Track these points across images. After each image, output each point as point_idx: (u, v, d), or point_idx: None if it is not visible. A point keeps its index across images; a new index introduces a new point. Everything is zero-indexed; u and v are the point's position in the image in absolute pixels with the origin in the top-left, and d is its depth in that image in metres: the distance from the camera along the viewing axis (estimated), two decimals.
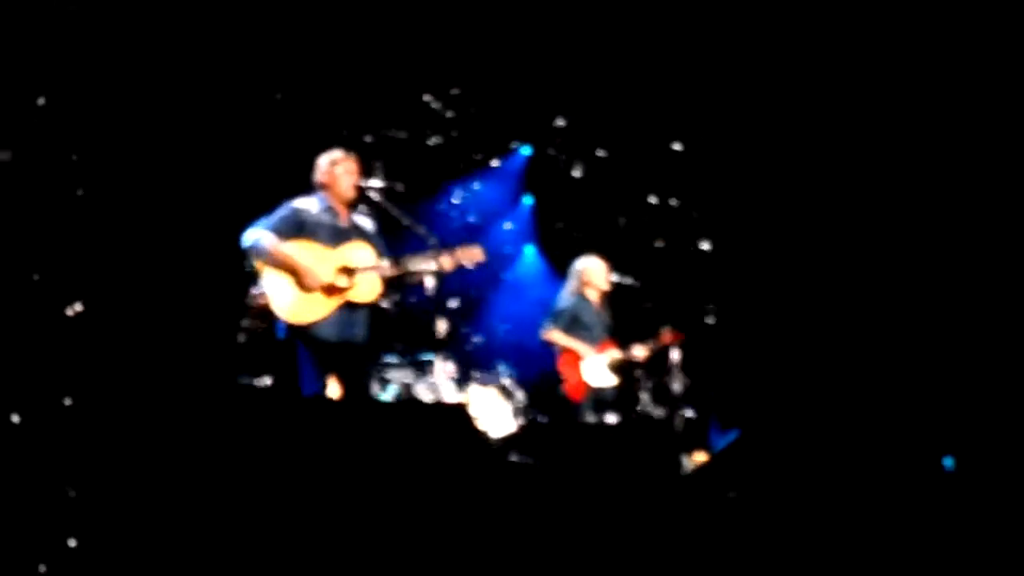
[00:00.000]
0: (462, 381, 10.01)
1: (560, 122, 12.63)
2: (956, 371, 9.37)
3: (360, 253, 6.90)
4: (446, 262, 6.92)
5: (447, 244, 7.08)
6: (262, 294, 7.07)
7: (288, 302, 6.70)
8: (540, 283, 12.95)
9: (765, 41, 10.67)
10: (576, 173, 12.85)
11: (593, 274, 9.54)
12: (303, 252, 6.76)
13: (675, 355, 9.46)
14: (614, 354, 9.37)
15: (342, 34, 10.59)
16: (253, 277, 7.52)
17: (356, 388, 6.95)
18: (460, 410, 5.44)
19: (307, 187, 7.13)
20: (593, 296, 9.55)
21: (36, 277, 8.70)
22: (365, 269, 6.85)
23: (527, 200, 13.63)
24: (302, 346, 6.74)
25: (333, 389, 6.97)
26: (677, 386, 9.52)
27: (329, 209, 6.99)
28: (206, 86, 9.93)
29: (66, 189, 9.05)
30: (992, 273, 9.55)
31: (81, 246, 9.02)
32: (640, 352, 9.40)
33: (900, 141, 10.13)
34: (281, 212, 6.90)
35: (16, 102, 8.76)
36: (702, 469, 6.41)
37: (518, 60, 11.57)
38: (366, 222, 7.18)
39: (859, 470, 5.35)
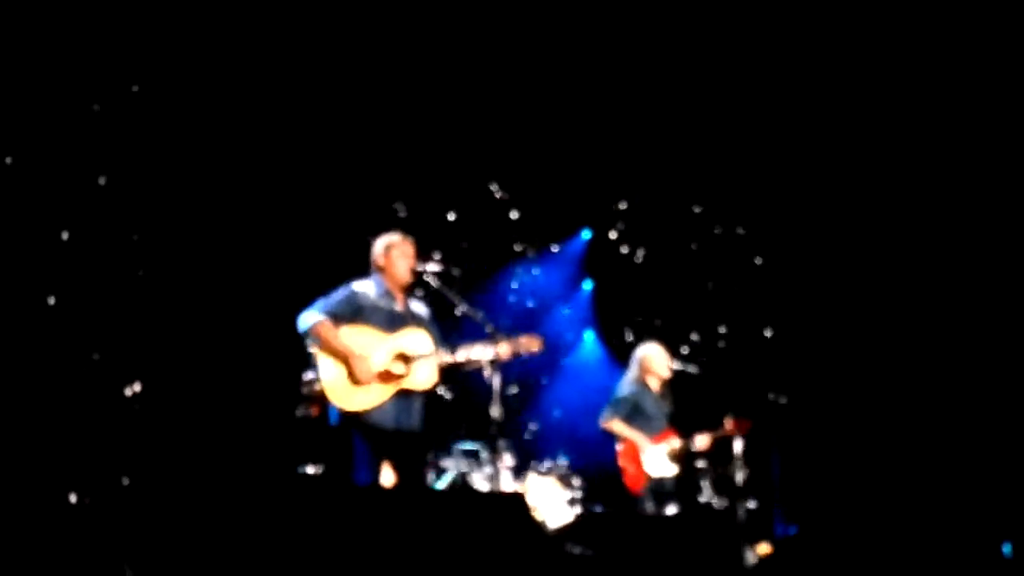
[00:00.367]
0: (520, 470, 9.96)
1: (622, 205, 12.68)
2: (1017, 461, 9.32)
3: (417, 340, 6.94)
4: (503, 351, 6.91)
5: (505, 331, 7.10)
6: (316, 380, 7.11)
7: (342, 388, 6.73)
8: (599, 370, 12.92)
9: (829, 133, 10.75)
10: (637, 258, 12.87)
11: (654, 361, 9.52)
12: (359, 337, 6.81)
13: (738, 445, 9.38)
14: (674, 443, 9.31)
15: (404, 115, 10.75)
16: (308, 362, 7.58)
17: (411, 476, 6.95)
18: (517, 499, 5.43)
19: (365, 269, 7.21)
20: (654, 384, 9.52)
21: (96, 356, 8.85)
22: (422, 356, 6.88)
23: (587, 285, 13.65)
24: (356, 433, 6.76)
25: (387, 477, 6.99)
26: (740, 476, 9.43)
27: (386, 293, 7.05)
28: (266, 167, 10.09)
29: (127, 269, 9.21)
30: None
31: (141, 327, 9.17)
32: (702, 441, 9.33)
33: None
34: (339, 295, 6.96)
35: (78, 182, 8.97)
36: (765, 562, 6.34)
37: (579, 143, 11.68)
38: (422, 308, 7.24)
39: (921, 562, 5.29)
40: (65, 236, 8.88)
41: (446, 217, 11.75)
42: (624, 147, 11.82)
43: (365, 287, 7.02)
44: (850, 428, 10.74)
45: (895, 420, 10.53)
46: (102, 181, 9.15)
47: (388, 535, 4.76)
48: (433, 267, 7.28)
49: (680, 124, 11.42)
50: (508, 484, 9.39)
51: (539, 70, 10.87)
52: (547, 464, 10.15)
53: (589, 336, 13.68)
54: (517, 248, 12.76)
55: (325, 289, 7.07)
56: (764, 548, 8.91)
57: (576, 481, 10.08)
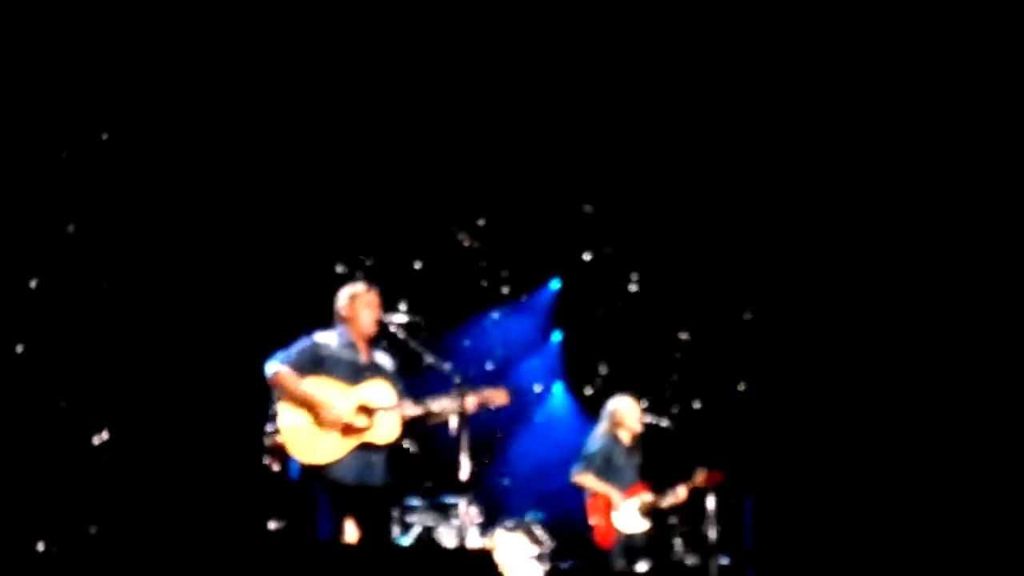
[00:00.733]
0: (487, 525, 9.90)
1: (588, 256, 12.70)
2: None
3: (380, 392, 6.91)
4: (469, 403, 6.87)
5: (471, 382, 7.07)
6: (276, 431, 7.07)
7: (302, 440, 6.69)
8: (569, 423, 12.88)
9: (806, 184, 10.83)
10: (606, 308, 12.88)
11: (626, 415, 9.52)
12: (320, 389, 6.77)
13: (710, 500, 9.36)
14: (646, 498, 9.29)
15: (366, 162, 10.77)
16: (270, 414, 7.54)
17: (375, 532, 6.89)
18: (485, 556, 5.40)
19: (328, 319, 7.18)
20: (625, 437, 9.51)
21: (63, 405, 8.85)
22: (385, 409, 6.84)
23: (556, 336, 13.63)
24: (317, 488, 6.70)
25: (351, 533, 6.93)
26: (712, 532, 9.40)
27: (349, 344, 7.02)
28: (233, 216, 10.11)
29: (96, 318, 9.22)
30: None
31: (109, 375, 9.17)
32: (676, 494, 9.30)
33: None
34: (299, 345, 6.93)
35: (47, 229, 8.98)
36: None
37: (546, 189, 11.71)
38: (386, 360, 7.21)
39: None
40: (33, 284, 8.89)
41: (412, 266, 11.73)
42: (594, 195, 11.85)
43: (327, 338, 7.00)
44: (827, 483, 10.73)
45: (874, 475, 10.53)
46: (71, 229, 9.16)
47: None
48: (399, 317, 7.27)
49: (653, 172, 11.46)
50: (475, 540, 9.34)
51: (507, 119, 10.91)
52: (515, 519, 10.09)
53: (558, 388, 13.65)
54: (484, 298, 12.74)
55: (293, 340, 7.04)
56: None
57: (545, 536, 10.02)
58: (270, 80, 9.95)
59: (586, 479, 9.31)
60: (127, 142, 9.50)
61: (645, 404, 10.03)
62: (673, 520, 9.82)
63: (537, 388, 13.42)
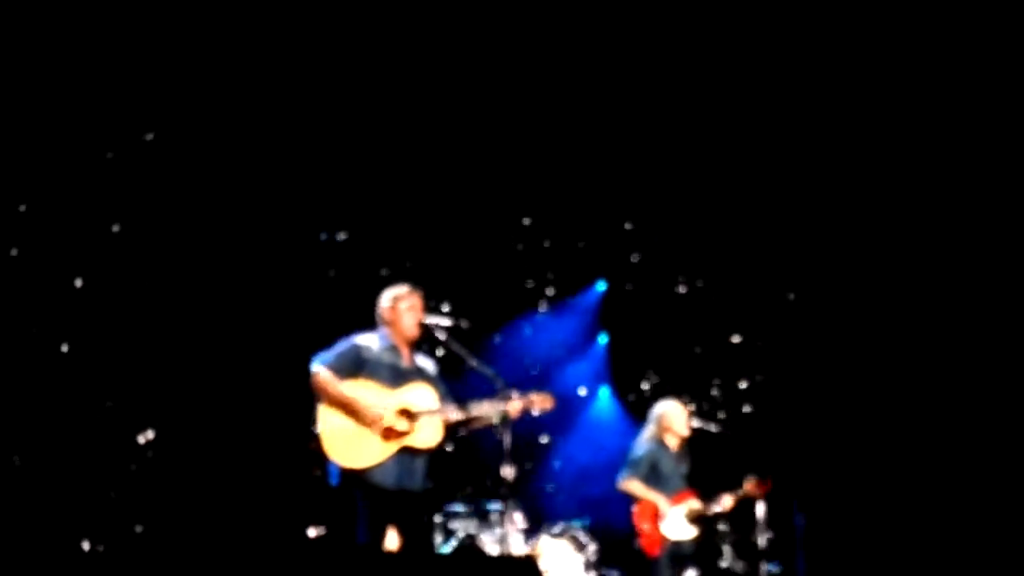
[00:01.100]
0: (531, 532, 9.89)
1: (636, 257, 12.66)
2: None
3: (422, 395, 6.89)
4: (513, 408, 6.84)
5: (515, 386, 7.04)
6: (316, 436, 7.06)
7: (342, 443, 6.68)
8: (615, 427, 12.85)
9: (860, 178, 10.78)
10: (654, 310, 12.83)
11: (673, 419, 9.47)
12: (361, 392, 6.77)
13: (760, 507, 9.31)
14: (693, 505, 9.24)
15: (414, 165, 10.80)
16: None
17: (416, 539, 6.88)
18: (529, 563, 5.38)
19: (371, 322, 7.18)
20: (672, 442, 9.46)
21: (109, 404, 8.95)
22: (427, 413, 6.83)
23: (602, 339, 13.60)
24: (357, 493, 6.70)
25: (391, 540, 6.92)
26: (761, 540, 9.35)
27: (391, 347, 7.01)
28: (281, 216, 10.19)
29: (141, 317, 9.33)
30: None
31: (155, 374, 9.27)
32: (723, 503, 9.25)
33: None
34: (340, 347, 6.93)
35: (92, 229, 9.09)
36: None
37: (594, 190, 11.70)
38: (428, 363, 7.19)
39: None
40: (79, 283, 9.01)
41: (456, 267, 11.73)
42: (642, 196, 11.81)
43: (369, 340, 6.99)
44: (879, 488, 10.66)
45: (926, 480, 10.46)
46: (116, 228, 9.27)
47: None
48: (441, 320, 7.25)
49: (703, 172, 11.43)
50: (519, 547, 9.33)
51: (555, 119, 10.91)
52: (560, 525, 10.08)
53: (604, 392, 13.62)
54: (529, 300, 12.73)
55: (336, 341, 7.04)
56: None
57: (590, 543, 10.00)
58: (322, 80, 10.02)
59: (633, 486, 9.27)
60: (172, 143, 9.60)
61: (693, 408, 9.98)
62: (722, 527, 9.76)
63: (582, 391, 13.40)
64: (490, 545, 9.43)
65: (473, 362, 7.15)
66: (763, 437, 11.19)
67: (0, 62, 8.54)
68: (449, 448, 8.69)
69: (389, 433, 6.72)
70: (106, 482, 8.88)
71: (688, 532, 9.20)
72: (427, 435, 6.82)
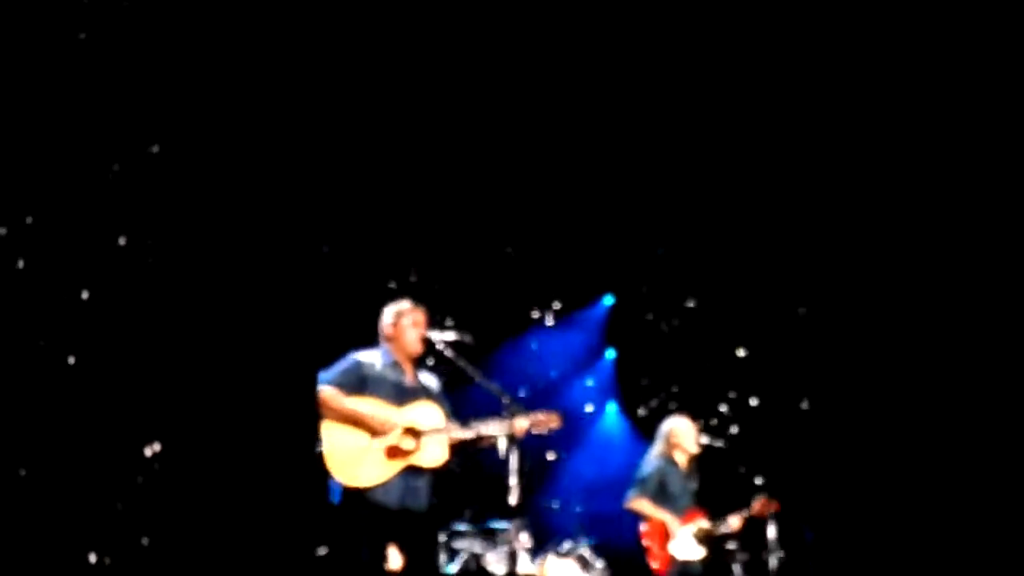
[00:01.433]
0: (537, 551, 9.87)
1: (644, 270, 12.65)
2: None
3: (427, 413, 6.87)
4: (519, 427, 6.82)
5: (521, 403, 7.02)
6: (319, 454, 7.05)
7: (346, 463, 6.67)
8: (622, 444, 12.84)
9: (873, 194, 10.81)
10: (663, 325, 12.82)
11: (682, 436, 9.45)
12: (366, 407, 6.76)
13: (771, 526, 9.28)
14: (703, 524, 9.22)
15: (416, 176, 10.82)
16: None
17: (420, 559, 6.86)
18: None
19: (373, 338, 7.17)
20: (681, 460, 9.44)
21: (116, 416, 8.99)
22: (432, 431, 6.81)
23: (609, 354, 13.59)
24: (360, 512, 6.67)
25: (394, 560, 6.90)
26: (773, 561, 9.33)
27: (394, 364, 7.00)
28: (286, 227, 10.21)
29: (147, 329, 9.36)
30: None
31: (162, 387, 9.30)
32: (732, 523, 9.23)
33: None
34: (341, 365, 6.92)
35: (98, 242, 9.14)
36: None
37: (601, 203, 11.70)
38: (432, 380, 7.18)
39: None
40: (85, 296, 9.06)
41: (460, 280, 11.73)
42: (650, 207, 11.81)
43: (371, 357, 6.98)
44: (891, 507, 10.64)
45: (937, 497, 10.45)
46: (122, 241, 9.31)
47: None
48: (446, 335, 7.22)
49: (712, 186, 11.44)
50: (525, 566, 9.31)
51: (560, 132, 10.93)
52: (566, 544, 10.06)
53: (611, 408, 13.61)
54: (535, 314, 12.72)
55: (343, 355, 7.03)
56: None
57: (598, 563, 9.99)
58: (324, 96, 10.06)
59: (641, 504, 9.25)
60: (177, 155, 9.65)
61: (702, 425, 9.95)
62: (732, 546, 9.74)
63: (589, 408, 13.39)
64: (495, 565, 9.42)
65: (478, 378, 7.13)
66: (774, 454, 11.17)
67: (4, 74, 8.59)
68: (454, 466, 8.66)
69: (394, 452, 6.71)
70: (112, 494, 8.93)
71: (697, 552, 9.17)
72: (433, 454, 6.80)
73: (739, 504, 9.32)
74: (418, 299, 7.31)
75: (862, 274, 11.17)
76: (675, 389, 12.40)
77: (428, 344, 7.08)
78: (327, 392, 6.76)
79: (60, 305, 8.90)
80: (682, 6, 10.11)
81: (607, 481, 11.38)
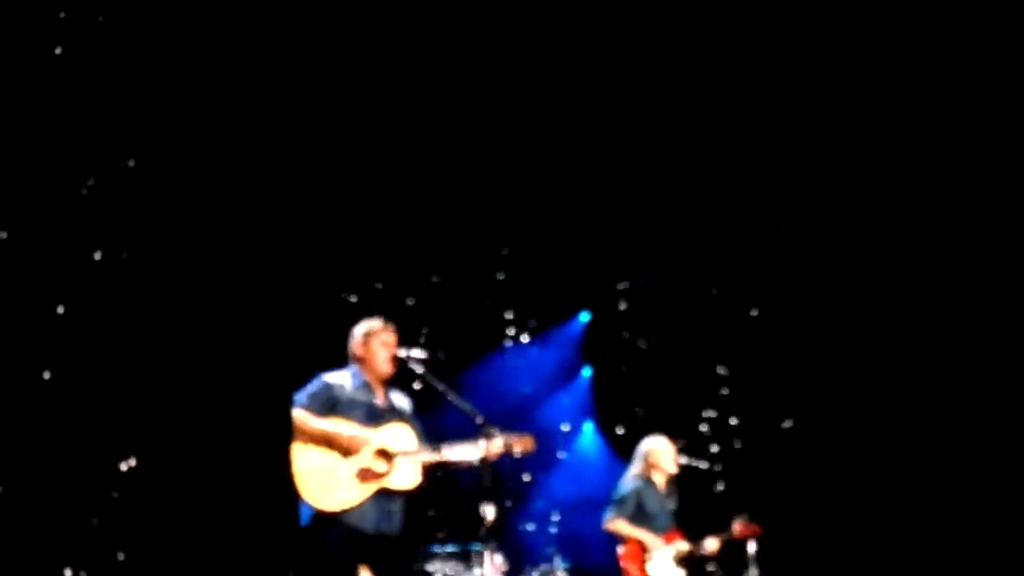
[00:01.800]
0: (512, 574, 9.83)
1: (623, 285, 12.64)
2: None
3: (399, 435, 6.83)
4: (493, 449, 6.76)
5: (495, 423, 6.97)
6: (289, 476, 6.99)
7: (318, 485, 6.62)
8: (599, 465, 12.81)
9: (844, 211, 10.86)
10: (640, 342, 12.81)
11: (660, 456, 9.44)
12: (338, 428, 6.72)
13: (751, 548, 9.26)
14: (681, 546, 9.20)
15: (387, 190, 10.82)
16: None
17: None
18: None
19: (343, 358, 7.12)
20: (660, 480, 9.43)
21: (91, 431, 9.02)
22: (404, 453, 6.77)
23: (586, 372, 13.56)
24: (331, 536, 6.62)
25: None
26: None
27: (365, 385, 6.95)
28: (257, 243, 10.24)
29: (123, 344, 9.40)
30: None
31: (137, 402, 9.34)
32: (711, 545, 9.21)
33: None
34: (312, 388, 6.87)
35: (74, 256, 9.17)
36: None
37: (577, 219, 11.71)
38: (404, 401, 7.14)
39: None
40: (60, 310, 9.08)
41: (433, 297, 11.70)
42: (627, 222, 11.83)
43: (340, 378, 6.93)
44: (875, 527, 10.66)
45: (922, 519, 10.48)
46: (98, 256, 9.34)
47: None
48: (417, 353, 7.17)
49: (688, 199, 11.47)
50: None
51: (536, 145, 10.96)
52: (542, 567, 10.03)
53: (588, 427, 13.58)
54: (510, 331, 12.69)
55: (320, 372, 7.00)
56: None
57: None
58: (293, 110, 10.11)
59: (619, 525, 9.23)
60: (153, 170, 9.69)
61: (681, 444, 9.93)
62: (711, 568, 9.72)
63: (565, 427, 13.35)
64: None
65: (451, 396, 7.07)
66: (755, 473, 11.17)
67: None
68: (427, 488, 8.62)
69: (366, 474, 6.67)
70: (88, 509, 8.96)
71: (676, 574, 9.15)
72: (405, 476, 6.76)
73: (719, 526, 9.29)
74: (390, 317, 7.26)
75: (845, 292, 11.20)
76: (653, 408, 12.37)
77: (399, 360, 7.02)
78: (300, 415, 6.71)
79: (35, 320, 8.95)
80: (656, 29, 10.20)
81: (583, 501, 11.35)
